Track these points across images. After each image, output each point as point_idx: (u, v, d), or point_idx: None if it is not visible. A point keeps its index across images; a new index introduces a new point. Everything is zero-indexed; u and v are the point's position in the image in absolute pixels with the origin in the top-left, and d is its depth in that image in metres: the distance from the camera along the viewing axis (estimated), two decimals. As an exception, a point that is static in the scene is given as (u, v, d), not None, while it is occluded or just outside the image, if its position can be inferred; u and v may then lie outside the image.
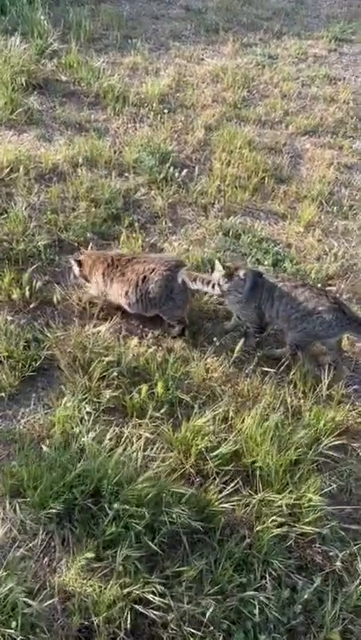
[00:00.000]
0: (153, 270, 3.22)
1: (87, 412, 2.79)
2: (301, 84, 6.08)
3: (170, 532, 2.45)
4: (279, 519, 2.53)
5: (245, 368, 3.19)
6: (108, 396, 2.89)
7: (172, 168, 4.43)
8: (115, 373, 2.97)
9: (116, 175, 4.37)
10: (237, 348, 3.07)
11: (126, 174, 4.45)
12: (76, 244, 3.77)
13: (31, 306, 3.33)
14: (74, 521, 2.46)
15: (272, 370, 3.15)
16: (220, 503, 2.55)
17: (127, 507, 2.41)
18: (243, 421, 2.86)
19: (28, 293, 3.33)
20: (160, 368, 3.06)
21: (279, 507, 2.58)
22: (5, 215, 3.80)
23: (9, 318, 3.19)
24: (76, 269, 3.41)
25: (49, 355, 3.08)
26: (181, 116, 5.19)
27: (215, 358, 3.21)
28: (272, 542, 2.49)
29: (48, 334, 3.13)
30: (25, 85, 4.99)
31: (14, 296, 3.32)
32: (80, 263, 3.39)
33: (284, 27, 7.17)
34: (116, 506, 2.41)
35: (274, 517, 2.53)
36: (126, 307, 3.34)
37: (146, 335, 3.36)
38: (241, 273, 3.07)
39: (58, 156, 4.42)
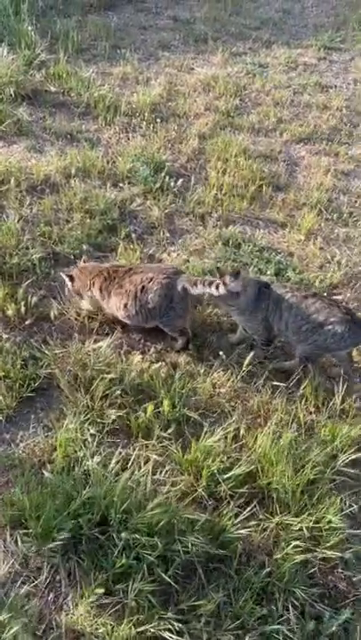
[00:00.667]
0: (151, 280, 3.08)
1: (91, 434, 2.63)
2: (293, 92, 6.01)
3: (184, 561, 2.29)
4: (300, 544, 2.38)
5: (254, 382, 3.04)
6: (112, 417, 2.73)
7: (167, 177, 4.31)
8: (118, 392, 2.82)
9: (110, 185, 4.23)
10: (246, 361, 2.92)
11: (121, 184, 4.31)
12: (71, 257, 3.63)
13: (27, 322, 3.18)
14: (80, 553, 2.29)
15: (282, 384, 3.01)
16: (236, 529, 2.40)
17: (137, 536, 2.25)
18: (255, 440, 2.71)
19: (23, 309, 3.17)
20: (165, 385, 2.91)
21: (298, 530, 2.43)
22: (-3, 228, 3.65)
23: (4, 336, 3.05)
24: (69, 284, 3.27)
25: (48, 373, 2.92)
26: (174, 125, 5.08)
27: (222, 373, 3.07)
28: (293, 569, 2.34)
29: (46, 352, 2.97)
30: (13, 96, 4.86)
31: (9, 312, 3.16)
32: (72, 278, 3.25)
33: (272, 36, 7.13)
34: (125, 535, 2.25)
35: (294, 543, 2.37)
36: (125, 319, 3.19)
37: (148, 350, 3.21)
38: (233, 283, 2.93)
39: (49, 167, 4.27)
